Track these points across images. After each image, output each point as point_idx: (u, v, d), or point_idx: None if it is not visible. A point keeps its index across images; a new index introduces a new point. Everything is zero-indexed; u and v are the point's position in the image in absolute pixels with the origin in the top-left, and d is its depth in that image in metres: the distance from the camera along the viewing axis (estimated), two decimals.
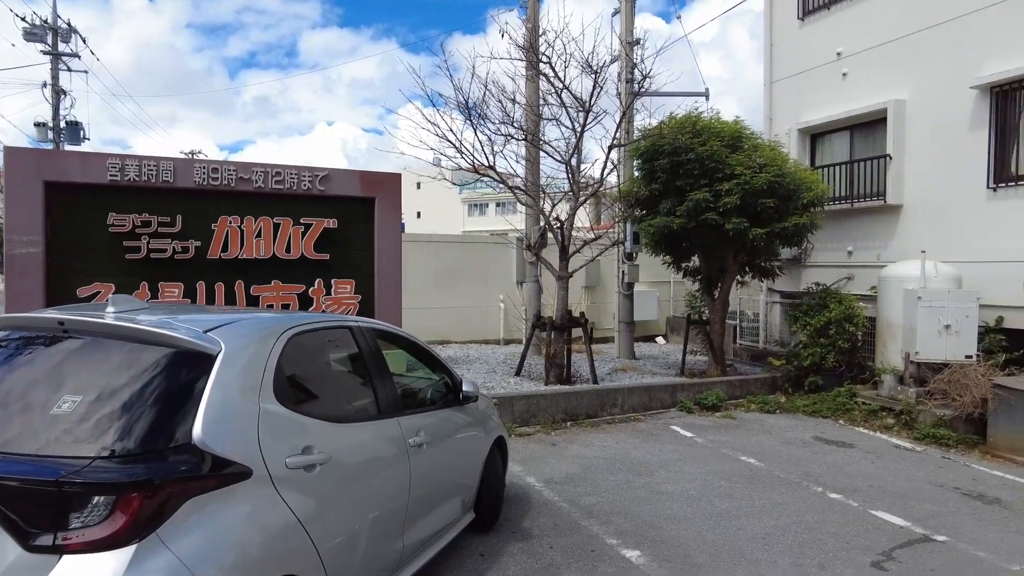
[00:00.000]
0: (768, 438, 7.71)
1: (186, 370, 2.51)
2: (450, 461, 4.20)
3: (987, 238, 8.72)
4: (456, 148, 8.94)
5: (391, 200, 7.29)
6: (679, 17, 68.82)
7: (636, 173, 10.36)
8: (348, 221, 7.04)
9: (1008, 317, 8.45)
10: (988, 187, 8.75)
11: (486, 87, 8.96)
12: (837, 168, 11.05)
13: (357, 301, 7.06)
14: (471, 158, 8.96)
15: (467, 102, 8.89)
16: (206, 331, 2.68)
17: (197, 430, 2.33)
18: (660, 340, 14.95)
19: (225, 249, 6.48)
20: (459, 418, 4.38)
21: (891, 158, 9.95)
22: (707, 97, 12.37)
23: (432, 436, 3.83)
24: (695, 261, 10.43)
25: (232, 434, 2.48)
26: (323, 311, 6.70)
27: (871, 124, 10.52)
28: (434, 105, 9.81)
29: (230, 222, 6.49)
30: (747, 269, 10.20)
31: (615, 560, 4.40)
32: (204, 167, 6.53)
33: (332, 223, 6.89)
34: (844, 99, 10.87)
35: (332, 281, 6.97)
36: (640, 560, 4.40)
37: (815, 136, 11.66)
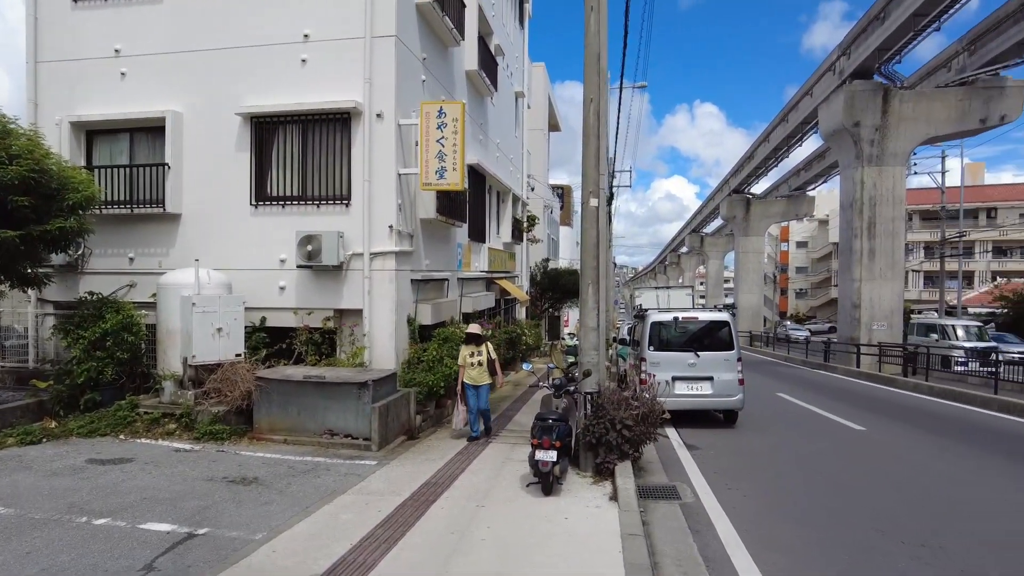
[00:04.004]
0: (28, 475, 6.64)
1: None
2: None
3: (252, 248, 9.89)
4: None
5: None
6: None
7: None
8: None
9: (270, 316, 9.83)
10: (251, 204, 9.95)
11: None
12: (118, 171, 10.51)
13: None
14: None
15: None
16: None
17: None
18: None
19: None
20: None
21: (170, 167, 10.13)
22: None
23: None
24: None
25: None
26: None
27: (152, 130, 10.45)
28: None
29: None
30: (3, 277, 8.54)
31: None
32: None
33: None
34: (124, 99, 10.47)
35: None
36: None
37: (93, 133, 10.78)
